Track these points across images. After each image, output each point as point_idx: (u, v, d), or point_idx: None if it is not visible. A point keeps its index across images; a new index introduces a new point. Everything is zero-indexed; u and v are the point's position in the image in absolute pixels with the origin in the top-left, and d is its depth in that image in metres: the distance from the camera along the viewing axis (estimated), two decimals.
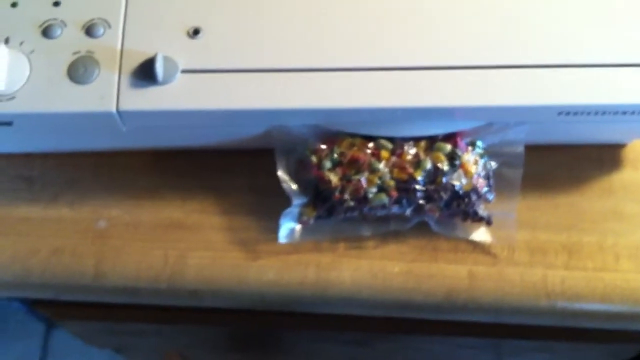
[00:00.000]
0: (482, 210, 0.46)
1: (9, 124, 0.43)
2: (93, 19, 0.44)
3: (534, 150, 0.46)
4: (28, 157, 0.50)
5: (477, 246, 0.46)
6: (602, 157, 0.49)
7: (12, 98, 0.42)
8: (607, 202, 0.48)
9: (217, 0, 0.45)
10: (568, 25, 0.43)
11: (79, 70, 0.43)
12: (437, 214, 0.45)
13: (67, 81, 0.42)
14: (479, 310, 0.46)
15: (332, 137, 0.45)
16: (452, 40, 0.43)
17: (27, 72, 0.43)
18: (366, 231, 0.47)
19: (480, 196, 0.45)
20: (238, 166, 0.49)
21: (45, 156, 0.50)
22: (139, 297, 0.47)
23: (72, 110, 0.42)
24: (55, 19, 0.44)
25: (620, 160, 0.49)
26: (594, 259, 0.46)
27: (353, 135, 0.45)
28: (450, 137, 0.45)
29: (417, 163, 0.44)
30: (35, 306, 0.58)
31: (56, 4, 0.45)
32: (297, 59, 0.43)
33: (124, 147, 0.48)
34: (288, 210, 0.46)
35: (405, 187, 0.44)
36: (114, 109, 0.42)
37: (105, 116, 0.42)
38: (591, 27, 0.43)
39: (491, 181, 0.46)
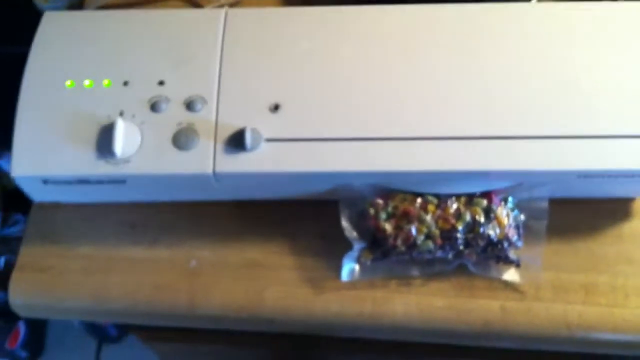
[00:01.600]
0: (512, 255, 0.54)
1: (123, 182, 0.52)
2: (192, 96, 0.53)
3: (557, 204, 0.54)
4: (131, 205, 0.58)
5: (508, 285, 0.54)
6: (615, 209, 0.57)
7: (127, 162, 0.51)
8: (619, 248, 0.56)
9: (293, 80, 0.53)
10: (587, 100, 0.52)
11: (182, 139, 0.51)
12: (474, 258, 0.54)
13: (172, 148, 0.51)
14: (510, 338, 0.54)
15: (388, 193, 0.54)
16: (488, 114, 0.52)
17: (139, 140, 0.51)
18: (414, 272, 0.55)
19: (511, 243, 0.53)
20: (308, 215, 0.57)
21: (145, 205, 0.58)
22: (224, 324, 0.56)
23: (177, 172, 0.51)
24: (160, 96, 0.53)
25: (631, 212, 0.57)
26: (607, 297, 0.54)
27: (405, 192, 0.54)
28: (486, 194, 0.54)
29: (458, 215, 0.53)
30: (129, 330, 0.66)
31: (161, 82, 0.54)
32: (361, 129, 0.51)
33: (213, 199, 0.56)
34: (349, 253, 0.54)
35: (448, 235, 0.53)
36: (210, 171, 0.51)
37: (203, 177, 0.51)
38: (607, 102, 0.52)
39: (520, 231, 0.54)
